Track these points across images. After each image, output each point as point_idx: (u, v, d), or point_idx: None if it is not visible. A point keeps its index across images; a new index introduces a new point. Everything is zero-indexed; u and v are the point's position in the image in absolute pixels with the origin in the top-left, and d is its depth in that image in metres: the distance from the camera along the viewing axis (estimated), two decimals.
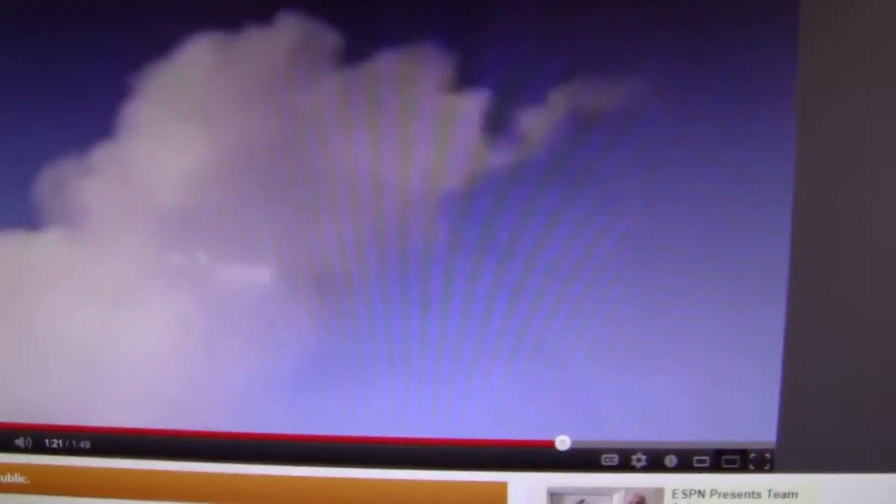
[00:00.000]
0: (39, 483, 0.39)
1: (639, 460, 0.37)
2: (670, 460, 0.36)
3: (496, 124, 0.35)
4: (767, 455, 0.36)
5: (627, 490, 0.37)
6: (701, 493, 0.37)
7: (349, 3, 0.35)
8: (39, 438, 0.38)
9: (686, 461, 0.36)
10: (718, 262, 0.35)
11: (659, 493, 0.37)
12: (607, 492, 0.37)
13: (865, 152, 0.34)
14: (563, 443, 0.37)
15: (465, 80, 0.35)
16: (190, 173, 0.36)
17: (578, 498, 0.37)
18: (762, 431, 0.36)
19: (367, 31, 0.35)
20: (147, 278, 0.37)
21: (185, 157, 0.36)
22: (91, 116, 0.36)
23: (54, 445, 0.38)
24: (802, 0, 0.33)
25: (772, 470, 0.36)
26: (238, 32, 0.35)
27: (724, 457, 0.36)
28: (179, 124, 0.36)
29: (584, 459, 0.37)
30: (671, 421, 0.36)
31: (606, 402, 0.36)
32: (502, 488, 0.37)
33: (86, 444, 0.38)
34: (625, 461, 0.36)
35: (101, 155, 0.36)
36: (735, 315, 0.35)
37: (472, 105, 0.35)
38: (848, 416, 0.36)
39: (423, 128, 0.35)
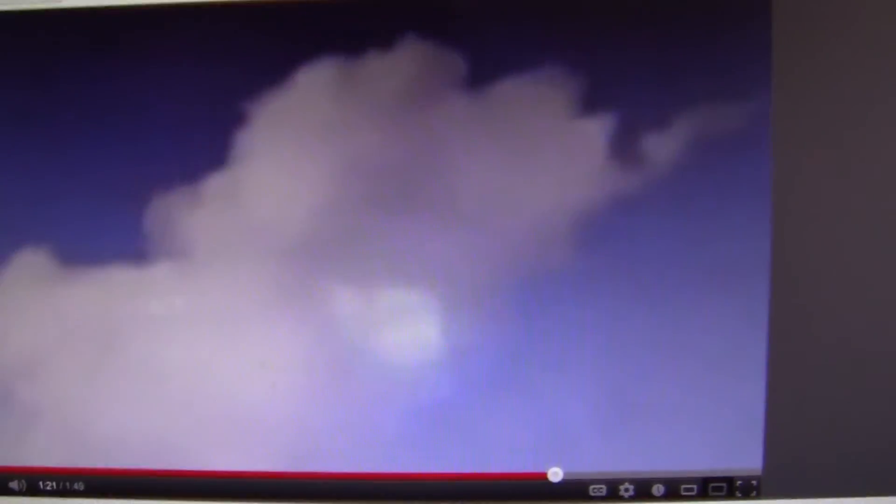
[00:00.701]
0: None
1: (626, 490, 0.37)
2: (658, 489, 0.37)
3: (620, 149, 0.35)
4: (754, 482, 0.36)
5: None
6: None
7: (471, 28, 0.35)
8: (33, 481, 0.39)
9: (673, 490, 0.37)
10: (702, 293, 0.36)
11: None
12: None
13: (845, 164, 0.35)
14: (555, 475, 0.37)
15: (588, 104, 0.35)
16: (307, 200, 0.36)
17: None
18: (748, 459, 0.36)
19: (489, 56, 0.35)
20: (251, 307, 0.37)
21: (302, 184, 0.36)
22: (206, 145, 0.36)
23: (48, 488, 0.39)
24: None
25: (759, 496, 0.37)
26: (359, 58, 0.35)
27: (711, 485, 0.37)
28: (297, 151, 0.36)
29: (573, 491, 0.37)
30: (658, 450, 0.37)
31: (596, 434, 0.37)
32: None
33: (80, 486, 0.38)
34: (613, 491, 0.37)
35: (216, 185, 0.36)
36: (719, 344, 0.36)
37: (596, 130, 0.35)
38: (832, 442, 0.36)
39: (546, 152, 0.35)
